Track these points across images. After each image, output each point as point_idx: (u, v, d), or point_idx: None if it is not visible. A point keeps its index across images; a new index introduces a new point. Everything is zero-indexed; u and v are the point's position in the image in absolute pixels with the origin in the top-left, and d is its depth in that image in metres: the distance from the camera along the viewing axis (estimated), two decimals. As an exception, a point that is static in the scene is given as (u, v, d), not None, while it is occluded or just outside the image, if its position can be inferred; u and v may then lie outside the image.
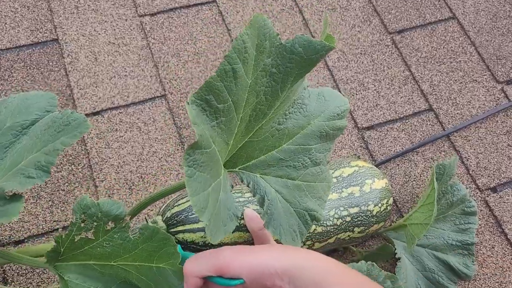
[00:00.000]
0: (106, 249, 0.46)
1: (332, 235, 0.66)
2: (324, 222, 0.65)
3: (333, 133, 0.53)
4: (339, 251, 0.77)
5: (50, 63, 0.86)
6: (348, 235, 0.68)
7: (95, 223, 0.45)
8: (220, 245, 0.57)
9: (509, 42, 0.98)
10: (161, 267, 0.45)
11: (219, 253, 0.41)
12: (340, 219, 0.66)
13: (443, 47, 0.96)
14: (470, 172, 0.84)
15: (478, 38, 0.98)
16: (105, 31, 0.90)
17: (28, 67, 0.85)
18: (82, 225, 0.45)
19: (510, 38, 0.98)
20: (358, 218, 0.67)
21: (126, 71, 0.87)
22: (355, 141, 0.86)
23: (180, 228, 0.58)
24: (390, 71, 0.92)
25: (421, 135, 0.87)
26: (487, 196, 0.83)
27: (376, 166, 0.83)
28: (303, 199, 0.48)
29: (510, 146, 0.87)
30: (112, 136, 0.81)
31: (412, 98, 0.90)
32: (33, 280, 0.69)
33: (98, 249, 0.46)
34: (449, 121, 0.89)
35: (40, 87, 0.83)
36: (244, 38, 0.40)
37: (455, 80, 0.93)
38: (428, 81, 0.92)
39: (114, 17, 0.92)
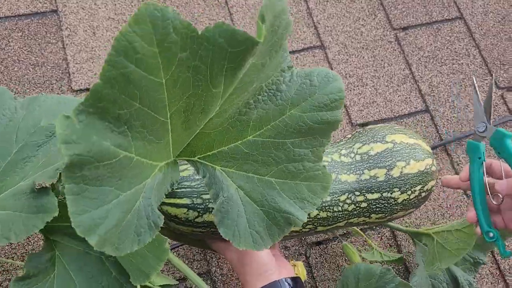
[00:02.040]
0: None
1: (341, 220, 0.58)
2: (330, 208, 0.56)
3: (319, 127, 0.44)
4: (349, 236, 0.75)
5: (48, 35, 0.85)
6: (363, 220, 0.59)
7: None
8: (204, 222, 0.54)
9: (514, 48, 0.96)
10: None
11: None
12: (353, 205, 0.57)
13: (447, 48, 0.95)
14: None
15: (483, 41, 0.96)
16: (105, 6, 0.89)
17: (25, 37, 0.84)
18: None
19: (516, 43, 0.97)
20: (377, 205, 0.58)
21: (123, 49, 0.86)
22: (348, 136, 0.85)
23: (166, 200, 0.54)
24: (390, 68, 0.91)
25: (414, 136, 0.87)
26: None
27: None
28: (275, 199, 0.44)
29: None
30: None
31: (409, 97, 0.90)
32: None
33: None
34: (444, 124, 0.88)
35: (37, 58, 0.83)
36: (129, 38, 0.32)
37: (456, 83, 0.92)
38: (427, 82, 0.91)
39: (116, -8, 0.90)
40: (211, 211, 0.53)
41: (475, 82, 0.56)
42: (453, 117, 0.89)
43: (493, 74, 0.56)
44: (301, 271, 0.61)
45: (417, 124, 0.88)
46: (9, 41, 0.83)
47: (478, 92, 0.56)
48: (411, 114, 0.88)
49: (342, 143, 0.61)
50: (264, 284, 0.49)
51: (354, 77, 0.90)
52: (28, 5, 0.86)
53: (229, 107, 0.43)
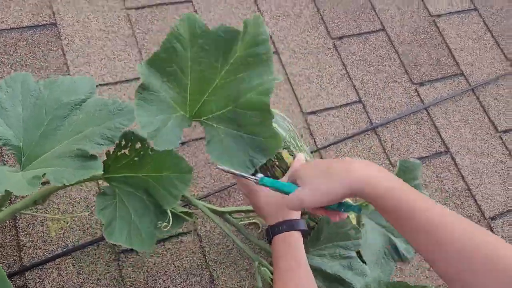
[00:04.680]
0: (135, 163, 0.69)
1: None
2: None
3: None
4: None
5: (50, 43, 1.01)
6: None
7: (129, 143, 0.69)
8: (278, 154, 0.79)
9: (424, 53, 1.23)
10: (165, 175, 0.68)
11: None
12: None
13: (373, 53, 1.20)
14: (386, 152, 1.09)
15: (401, 48, 1.23)
16: (96, 20, 1.06)
17: (30, 45, 1.00)
18: (123, 143, 0.69)
19: (425, 49, 1.24)
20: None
21: (114, 54, 1.04)
22: (300, 123, 1.07)
23: (274, 124, 0.75)
24: (331, 69, 1.15)
25: (351, 120, 1.10)
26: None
27: (317, 150, 1.05)
28: (245, 148, 0.70)
29: (418, 133, 1.13)
30: (102, 107, 0.98)
31: (346, 91, 1.14)
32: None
33: (131, 163, 0.69)
34: (373, 111, 1.13)
35: (41, 63, 0.99)
36: (178, 27, 0.67)
37: (380, 80, 1.17)
38: (359, 79, 1.16)
39: (105, 8, 1.08)
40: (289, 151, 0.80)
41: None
42: (380, 106, 1.14)
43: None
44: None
45: (353, 112, 1.11)
46: (16, 49, 0.99)
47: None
48: (348, 104, 1.12)
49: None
50: (282, 219, 0.72)
51: (302, 76, 1.12)
52: (31, 19, 1.02)
53: (223, 84, 0.67)
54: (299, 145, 0.83)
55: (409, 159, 0.90)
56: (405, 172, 0.89)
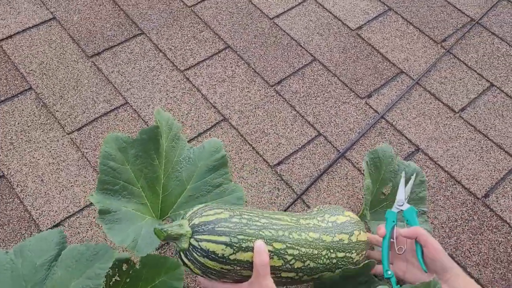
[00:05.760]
0: (129, 284, 0.72)
1: (319, 272, 0.74)
2: (317, 259, 0.73)
3: (215, 164, 0.84)
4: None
5: (4, 197, 0.99)
6: (329, 275, 0.76)
7: (116, 269, 0.72)
8: (235, 260, 0.66)
9: (360, 66, 1.27)
10: (160, 281, 0.70)
11: None
12: (329, 260, 0.74)
13: (314, 84, 1.22)
14: (363, 172, 1.09)
15: (337, 70, 1.25)
16: (42, 155, 1.05)
17: (-15, 206, 0.97)
18: (110, 272, 0.71)
19: (359, 62, 1.27)
20: (342, 262, 0.76)
21: (71, 182, 1.02)
22: (272, 177, 1.07)
23: (206, 237, 0.64)
24: (281, 115, 1.16)
25: (318, 156, 1.11)
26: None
27: (299, 197, 1.04)
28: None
29: (384, 142, 1.13)
30: (76, 239, 0.95)
31: (303, 130, 1.14)
32: None
33: (125, 287, 0.71)
34: (336, 139, 1.13)
35: (1, 219, 0.96)
36: (105, 149, 0.77)
37: (330, 106, 1.19)
38: (311, 114, 1.17)
39: (46, 141, 1.07)
40: (244, 249, 0.66)
41: (403, 176, 0.92)
42: (339, 131, 1.15)
43: (403, 173, 0.93)
44: None
45: (317, 147, 1.12)
46: (-28, 215, 0.96)
47: (403, 182, 0.91)
48: (309, 141, 1.13)
49: (313, 213, 0.81)
50: None
51: (258, 132, 1.13)
52: (-23, 180, 1.00)
53: (170, 173, 0.78)
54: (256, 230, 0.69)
55: (375, 148, 0.94)
56: (380, 167, 0.93)
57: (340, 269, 0.74)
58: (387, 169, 0.94)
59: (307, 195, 1.05)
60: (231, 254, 0.65)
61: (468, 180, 1.08)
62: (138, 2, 1.35)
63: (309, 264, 0.72)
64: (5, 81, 1.16)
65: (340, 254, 0.76)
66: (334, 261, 0.75)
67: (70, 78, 1.17)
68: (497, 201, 1.06)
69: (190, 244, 0.65)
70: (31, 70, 1.18)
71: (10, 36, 1.24)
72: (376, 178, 0.93)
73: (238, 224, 0.67)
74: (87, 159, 1.05)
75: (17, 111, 1.11)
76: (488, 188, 1.07)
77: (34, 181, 1.02)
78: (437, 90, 1.23)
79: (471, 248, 1.00)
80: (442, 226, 1.02)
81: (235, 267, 0.67)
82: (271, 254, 0.69)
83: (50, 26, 1.27)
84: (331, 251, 0.75)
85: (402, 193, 0.89)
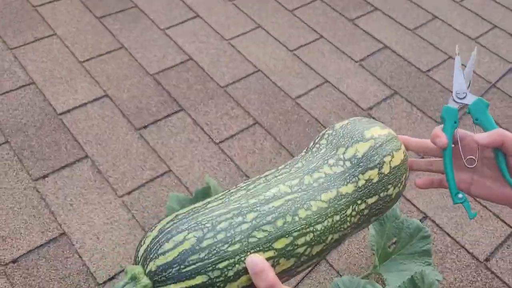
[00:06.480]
0: None
1: (349, 234, 0.54)
2: (342, 226, 0.51)
3: None
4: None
5: (65, 252, 1.13)
6: (363, 226, 0.56)
7: None
8: None
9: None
10: None
11: None
12: (358, 215, 0.53)
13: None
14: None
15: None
16: (98, 216, 1.20)
17: (48, 261, 1.11)
18: None
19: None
20: (377, 208, 0.54)
21: (123, 240, 1.16)
22: None
23: (174, 287, 0.44)
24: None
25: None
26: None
27: None
28: None
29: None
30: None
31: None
32: None
33: None
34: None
35: (63, 272, 1.09)
36: (170, 204, 0.96)
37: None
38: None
39: (101, 203, 1.23)
40: (234, 277, 0.44)
41: (457, 50, 0.59)
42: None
43: (457, 47, 0.62)
44: None
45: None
46: (38, 268, 1.09)
47: (459, 61, 0.58)
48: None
49: (322, 151, 0.55)
50: None
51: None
52: (42, 236, 1.14)
53: None
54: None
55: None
56: (384, 224, 1.05)
57: (376, 216, 0.55)
58: (391, 226, 1.07)
59: None
60: None
61: (471, 245, 1.23)
62: (179, 83, 1.56)
63: (332, 238, 0.51)
64: (65, 149, 1.33)
65: (372, 200, 0.53)
66: (366, 212, 0.53)
67: (121, 148, 1.35)
68: (497, 265, 1.19)
69: None
70: (88, 140, 1.36)
71: (69, 111, 1.43)
72: (381, 234, 1.07)
73: (213, 245, 0.44)
74: (136, 219, 1.20)
75: (75, 176, 1.28)
76: (489, 252, 1.22)
77: (91, 239, 1.16)
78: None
79: (476, 307, 1.12)
80: (450, 286, 1.15)
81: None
82: (275, 260, 0.47)
83: (103, 102, 1.47)
84: (358, 202, 0.52)
85: (461, 78, 0.58)
